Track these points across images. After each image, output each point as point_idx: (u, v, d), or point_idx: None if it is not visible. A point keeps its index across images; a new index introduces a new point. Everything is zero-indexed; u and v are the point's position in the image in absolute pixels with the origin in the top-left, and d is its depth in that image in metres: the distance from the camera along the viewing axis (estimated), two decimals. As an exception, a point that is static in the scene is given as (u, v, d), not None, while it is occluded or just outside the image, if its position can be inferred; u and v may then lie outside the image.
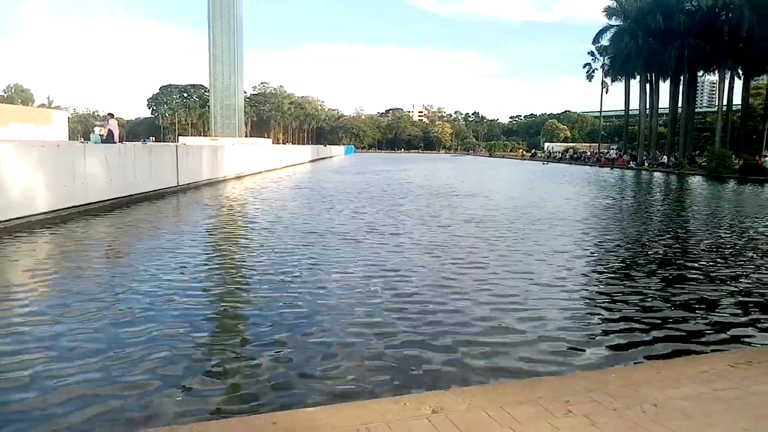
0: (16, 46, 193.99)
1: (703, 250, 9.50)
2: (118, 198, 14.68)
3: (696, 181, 31.60)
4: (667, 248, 9.52)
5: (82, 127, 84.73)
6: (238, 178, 26.19)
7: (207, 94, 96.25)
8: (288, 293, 6.07)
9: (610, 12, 56.31)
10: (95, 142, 17.76)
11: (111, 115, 20.36)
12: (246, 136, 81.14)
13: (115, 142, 18.09)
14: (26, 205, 10.97)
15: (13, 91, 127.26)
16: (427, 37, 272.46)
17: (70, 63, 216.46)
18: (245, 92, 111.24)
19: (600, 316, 5.47)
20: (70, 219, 11.50)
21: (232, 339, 4.66)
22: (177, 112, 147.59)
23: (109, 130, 18.46)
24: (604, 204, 17.66)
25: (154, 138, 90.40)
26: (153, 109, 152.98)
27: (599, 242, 10.04)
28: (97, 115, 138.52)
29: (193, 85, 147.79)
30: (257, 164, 31.53)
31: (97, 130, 20.32)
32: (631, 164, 51.16)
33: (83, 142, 19.27)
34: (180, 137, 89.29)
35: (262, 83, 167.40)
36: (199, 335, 4.69)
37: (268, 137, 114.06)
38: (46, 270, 7.04)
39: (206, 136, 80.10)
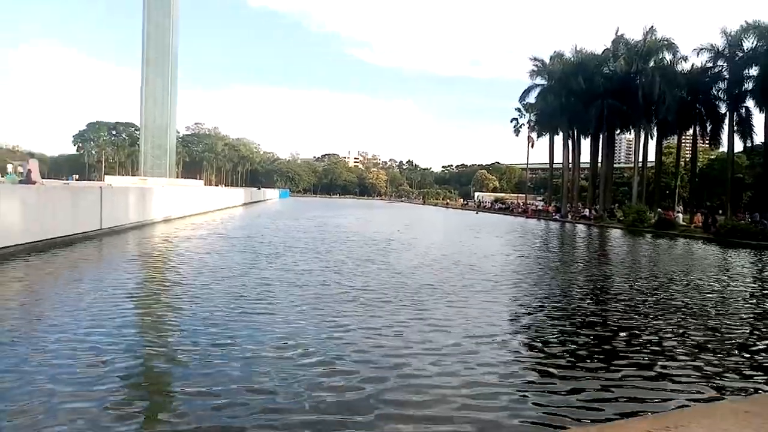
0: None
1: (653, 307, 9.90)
2: (36, 242, 13.81)
3: (618, 234, 33.24)
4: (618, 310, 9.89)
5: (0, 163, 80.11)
6: (167, 221, 25.32)
7: (137, 132, 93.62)
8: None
9: (534, 73, 59.69)
10: (12, 182, 16.85)
11: (31, 154, 19.46)
12: (177, 177, 79.08)
13: (33, 183, 17.22)
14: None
15: None
16: (364, 86, 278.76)
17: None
18: (178, 132, 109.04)
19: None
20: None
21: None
22: (105, 150, 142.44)
23: (28, 170, 17.59)
24: (550, 264, 18.23)
25: (77, 177, 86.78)
26: (79, 146, 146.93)
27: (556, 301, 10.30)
28: (18, 150, 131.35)
29: (123, 123, 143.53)
30: (187, 207, 30.66)
31: (10, 167, 19.39)
32: (556, 216, 53.40)
33: (0, 181, 18.26)
34: (107, 176, 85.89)
35: (196, 123, 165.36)
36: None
37: (200, 178, 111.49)
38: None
39: (135, 175, 77.44)
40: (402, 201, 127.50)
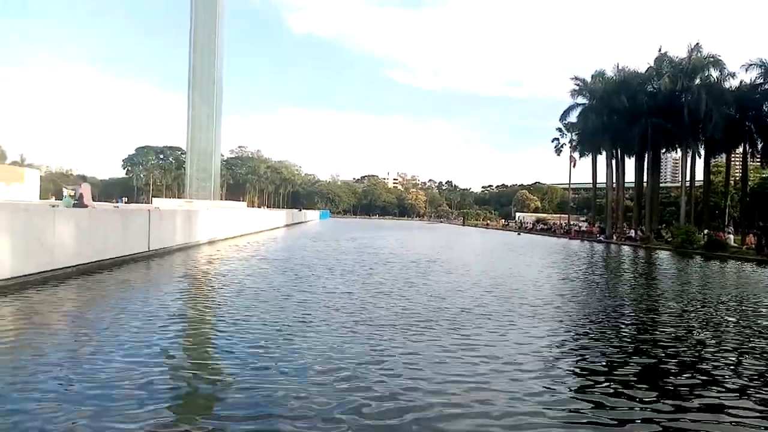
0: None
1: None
2: (88, 263, 14.36)
3: (665, 256, 32.18)
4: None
5: (54, 186, 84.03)
6: (211, 243, 25.92)
7: (183, 156, 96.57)
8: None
9: (575, 92, 59.09)
10: (67, 206, 17.56)
11: (83, 178, 20.29)
12: (221, 199, 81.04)
13: (85, 206, 17.90)
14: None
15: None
16: (403, 107, 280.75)
17: (46, 121, 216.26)
18: (222, 155, 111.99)
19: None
20: (34, 285, 11.12)
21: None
22: (152, 174, 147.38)
23: (81, 194, 18.32)
24: (596, 288, 17.84)
25: (126, 199, 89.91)
26: (128, 170, 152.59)
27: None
28: (71, 174, 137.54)
29: (170, 147, 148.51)
30: (231, 229, 31.32)
31: (65, 192, 20.24)
32: (600, 237, 52.22)
33: (55, 204, 19.09)
34: (154, 198, 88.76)
35: (239, 147, 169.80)
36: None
37: (243, 200, 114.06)
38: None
39: (181, 197, 79.78)
40: (441, 221, 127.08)
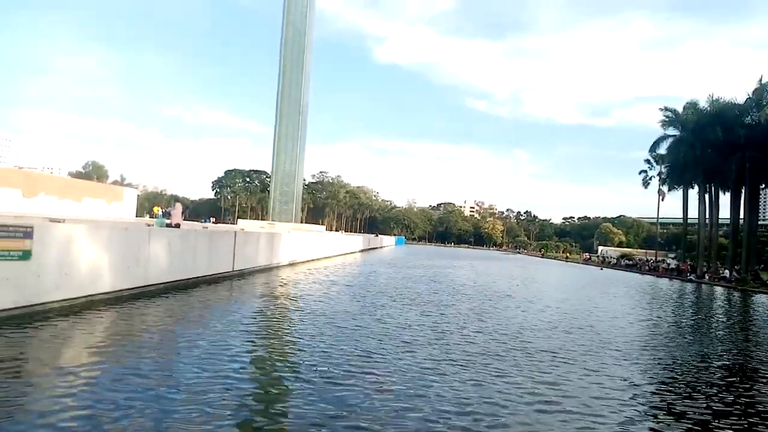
0: (98, 126, 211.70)
1: None
2: (177, 281, 15.22)
3: (764, 301, 29.74)
4: None
5: (149, 205, 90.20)
6: (291, 265, 26.75)
7: (268, 179, 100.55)
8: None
9: (666, 123, 56.65)
10: (159, 225, 18.76)
11: (176, 199, 21.69)
12: (301, 222, 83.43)
13: (177, 226, 19.05)
14: (91, 285, 11.51)
15: (90, 167, 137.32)
16: (482, 136, 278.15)
17: (148, 144, 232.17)
18: (304, 180, 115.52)
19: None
20: (129, 300, 11.94)
21: None
22: (239, 196, 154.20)
23: (173, 213, 19.71)
24: (686, 334, 16.88)
25: (214, 219, 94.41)
26: (216, 191, 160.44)
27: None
28: (165, 194, 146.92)
29: (256, 171, 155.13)
30: (310, 252, 32.19)
31: (160, 212, 21.82)
32: (691, 276, 49.19)
33: (150, 223, 20.47)
34: (239, 219, 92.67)
35: (320, 172, 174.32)
36: None
37: (322, 224, 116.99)
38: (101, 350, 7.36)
39: (264, 219, 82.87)
40: (519, 252, 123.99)
